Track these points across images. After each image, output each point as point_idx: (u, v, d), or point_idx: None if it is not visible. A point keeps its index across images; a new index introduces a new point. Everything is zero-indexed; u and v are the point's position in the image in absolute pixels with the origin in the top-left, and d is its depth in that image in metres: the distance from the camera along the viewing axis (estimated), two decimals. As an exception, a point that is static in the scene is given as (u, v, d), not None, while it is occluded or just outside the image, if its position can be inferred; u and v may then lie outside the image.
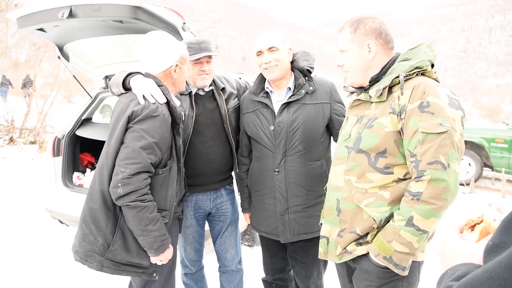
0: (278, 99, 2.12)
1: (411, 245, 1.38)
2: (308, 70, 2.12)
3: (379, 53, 1.57)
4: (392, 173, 1.48)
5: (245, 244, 3.84)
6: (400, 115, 1.43)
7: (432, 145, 1.35)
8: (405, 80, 1.45)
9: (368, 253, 1.52)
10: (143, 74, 1.85)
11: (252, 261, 3.43)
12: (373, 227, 1.50)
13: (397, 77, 1.44)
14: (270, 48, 2.04)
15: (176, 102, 1.93)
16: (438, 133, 1.35)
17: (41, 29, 2.73)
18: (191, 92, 2.22)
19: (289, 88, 2.10)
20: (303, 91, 2.06)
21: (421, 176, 1.37)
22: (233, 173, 2.49)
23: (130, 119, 1.69)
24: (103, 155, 1.75)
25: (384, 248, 1.43)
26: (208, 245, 2.60)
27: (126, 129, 1.69)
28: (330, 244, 1.65)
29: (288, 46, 2.10)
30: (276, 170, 2.04)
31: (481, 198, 6.35)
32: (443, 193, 1.34)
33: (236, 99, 2.35)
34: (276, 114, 2.07)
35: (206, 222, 2.46)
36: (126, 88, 1.84)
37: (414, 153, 1.39)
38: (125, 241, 1.72)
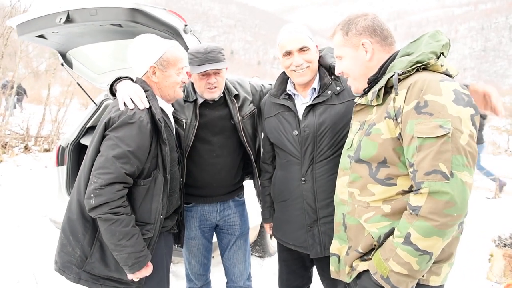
0: (302, 101, 1.90)
1: (410, 267, 1.20)
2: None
3: (378, 51, 1.42)
4: (395, 184, 1.31)
5: (255, 255, 3.68)
6: (396, 119, 1.26)
7: (430, 152, 1.16)
8: (403, 78, 1.28)
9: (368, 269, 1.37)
10: (132, 79, 1.76)
11: (262, 274, 3.28)
12: (375, 245, 1.34)
13: (393, 76, 1.28)
14: (301, 49, 1.80)
15: (168, 109, 1.80)
16: (437, 137, 1.16)
17: (41, 36, 2.66)
18: (196, 100, 2.08)
19: (314, 89, 1.89)
20: (330, 92, 1.83)
21: (419, 189, 1.19)
22: (244, 183, 2.34)
23: (107, 126, 1.60)
24: (82, 164, 1.67)
25: (381, 266, 1.27)
26: (218, 256, 2.47)
27: (104, 137, 1.60)
28: (341, 262, 1.50)
29: (315, 42, 1.86)
30: (303, 179, 1.84)
31: (507, 204, 6.02)
32: (446, 208, 1.14)
33: (252, 104, 2.20)
34: (300, 118, 1.86)
35: (214, 234, 2.34)
36: (114, 93, 1.76)
37: (412, 162, 1.22)
38: (103, 254, 1.64)
